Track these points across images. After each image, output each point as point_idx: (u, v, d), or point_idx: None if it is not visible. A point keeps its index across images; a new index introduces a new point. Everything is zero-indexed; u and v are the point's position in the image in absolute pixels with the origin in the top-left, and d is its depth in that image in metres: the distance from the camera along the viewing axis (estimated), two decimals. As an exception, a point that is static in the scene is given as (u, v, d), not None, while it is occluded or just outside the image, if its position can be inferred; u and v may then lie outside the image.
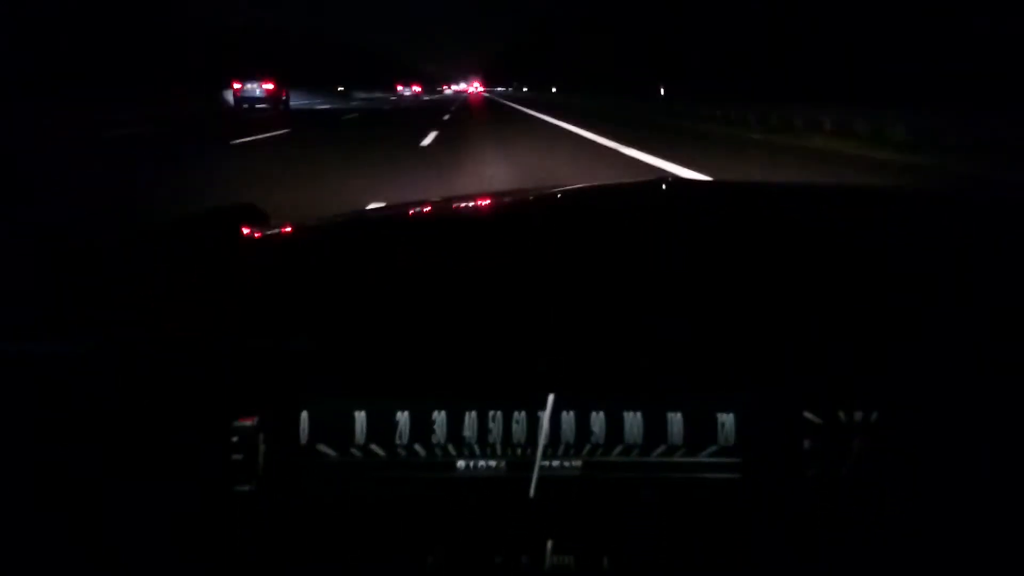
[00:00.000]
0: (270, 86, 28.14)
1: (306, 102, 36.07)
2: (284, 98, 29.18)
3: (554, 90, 38.72)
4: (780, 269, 0.71)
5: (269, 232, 0.96)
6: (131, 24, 32.65)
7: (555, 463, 0.55)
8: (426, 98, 54.65)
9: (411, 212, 1.18)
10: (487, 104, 24.03)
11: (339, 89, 53.24)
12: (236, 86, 28.20)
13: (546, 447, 0.54)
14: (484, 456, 0.55)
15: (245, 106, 27.07)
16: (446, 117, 17.30)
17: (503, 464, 0.55)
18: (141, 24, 33.91)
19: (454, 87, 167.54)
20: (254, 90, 27.93)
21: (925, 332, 0.57)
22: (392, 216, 1.11)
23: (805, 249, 0.79)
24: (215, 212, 0.96)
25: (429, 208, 1.22)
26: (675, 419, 0.55)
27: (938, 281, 0.67)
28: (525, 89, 71.78)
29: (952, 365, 0.55)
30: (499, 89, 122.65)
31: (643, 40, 31.21)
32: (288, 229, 0.99)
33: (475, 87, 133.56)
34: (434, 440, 0.55)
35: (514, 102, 30.85)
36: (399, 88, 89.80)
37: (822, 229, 0.90)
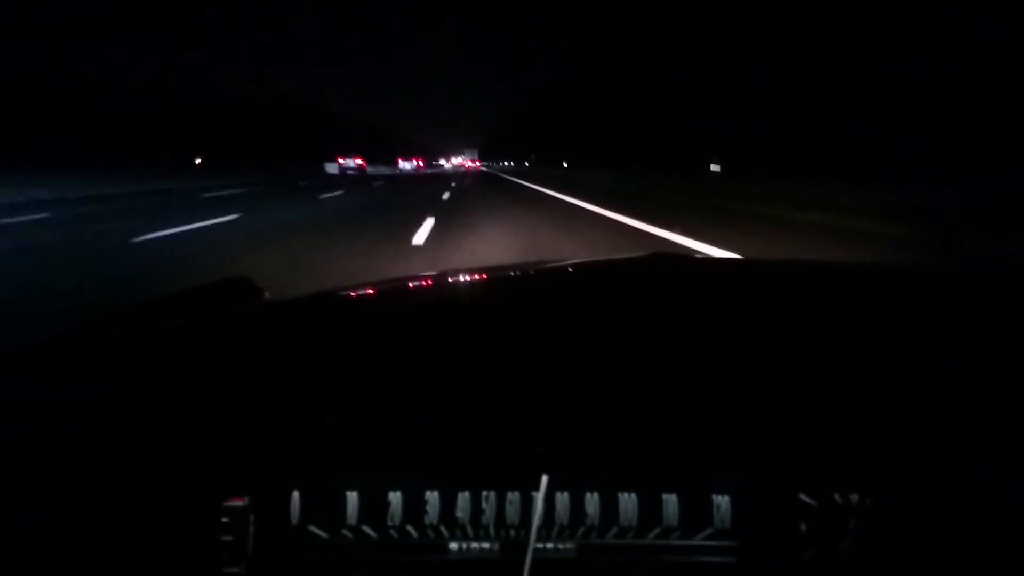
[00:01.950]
0: (360, 161, 47.97)
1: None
2: (365, 169, 47.83)
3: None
4: (775, 347, 0.70)
5: (264, 306, 0.95)
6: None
7: (549, 545, 0.54)
8: (426, 172, 58.07)
9: (407, 287, 1.15)
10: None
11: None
12: (341, 161, 47.17)
13: (540, 528, 0.53)
14: (477, 538, 0.55)
15: (344, 173, 45.26)
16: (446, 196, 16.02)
17: (496, 546, 0.54)
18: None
19: (453, 160, 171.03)
20: (350, 163, 46.77)
21: (922, 412, 0.56)
22: (387, 291, 1.09)
23: (801, 326, 0.78)
24: (210, 287, 0.95)
25: (424, 283, 1.21)
26: (670, 500, 0.54)
27: (935, 361, 0.66)
28: (563, 165, 47.25)
29: (949, 444, 0.55)
30: (505, 163, 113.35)
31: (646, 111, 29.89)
32: (283, 303, 0.98)
33: (472, 162, 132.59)
34: (426, 521, 0.55)
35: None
36: (400, 162, 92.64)
37: (820, 306, 0.88)
